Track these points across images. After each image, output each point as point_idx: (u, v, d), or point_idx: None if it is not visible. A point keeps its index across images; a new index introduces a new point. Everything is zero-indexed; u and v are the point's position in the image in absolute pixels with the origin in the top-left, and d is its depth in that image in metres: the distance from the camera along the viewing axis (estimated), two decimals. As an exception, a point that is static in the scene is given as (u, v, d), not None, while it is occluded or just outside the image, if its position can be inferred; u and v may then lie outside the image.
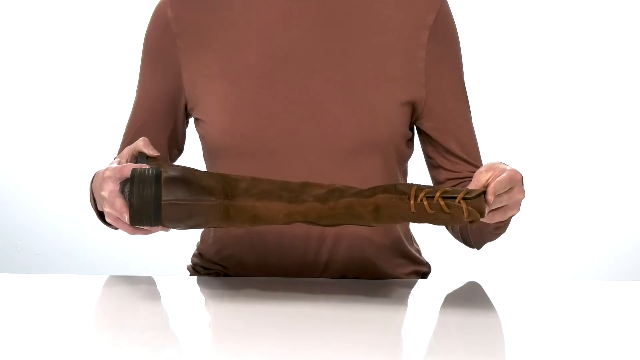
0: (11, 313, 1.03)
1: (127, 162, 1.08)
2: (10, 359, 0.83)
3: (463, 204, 0.96)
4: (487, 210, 0.97)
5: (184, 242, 1.62)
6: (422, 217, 0.98)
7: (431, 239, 1.85)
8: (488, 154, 1.40)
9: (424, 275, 1.36)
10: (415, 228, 1.40)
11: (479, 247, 1.25)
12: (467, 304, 1.08)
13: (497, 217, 1.01)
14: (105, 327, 0.97)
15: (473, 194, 0.97)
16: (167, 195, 1.01)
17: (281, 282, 1.19)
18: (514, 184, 1.00)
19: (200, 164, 1.28)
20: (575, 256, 2.77)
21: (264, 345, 0.88)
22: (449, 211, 0.97)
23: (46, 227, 2.83)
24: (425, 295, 1.17)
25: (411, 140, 1.29)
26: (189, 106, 1.26)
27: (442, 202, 0.97)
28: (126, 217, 1.02)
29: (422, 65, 1.22)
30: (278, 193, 1.02)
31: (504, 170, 0.99)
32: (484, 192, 0.97)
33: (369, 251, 1.25)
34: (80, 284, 1.19)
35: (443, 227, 1.24)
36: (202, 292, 1.17)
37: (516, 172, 1.00)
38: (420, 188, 0.98)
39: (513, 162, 1.40)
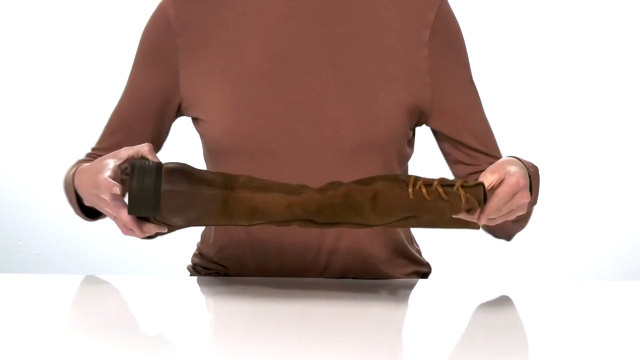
0: (11, 313, 1.03)
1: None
2: (10, 359, 0.83)
3: (461, 192, 0.97)
4: (490, 214, 0.97)
5: (184, 242, 1.62)
6: (420, 206, 0.98)
7: (431, 240, 1.85)
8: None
9: (424, 275, 1.36)
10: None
11: (508, 239, 1.26)
12: (467, 305, 1.08)
13: (499, 220, 1.01)
14: (105, 327, 0.97)
15: (471, 183, 0.97)
16: (166, 185, 1.01)
17: (281, 282, 1.19)
18: (517, 190, 1.00)
19: (200, 164, 1.28)
20: (575, 256, 2.77)
21: (264, 345, 0.88)
22: (447, 198, 0.97)
23: (46, 227, 2.83)
24: (425, 296, 1.17)
25: (412, 140, 1.29)
26: (183, 105, 1.26)
27: (440, 189, 0.97)
28: (112, 201, 1.04)
29: (425, 64, 1.22)
30: (277, 187, 1.02)
31: (509, 174, 1.00)
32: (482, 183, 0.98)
33: (369, 251, 1.25)
34: (80, 284, 1.19)
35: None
36: (202, 292, 1.17)
37: (520, 178, 1.00)
38: (419, 177, 0.99)
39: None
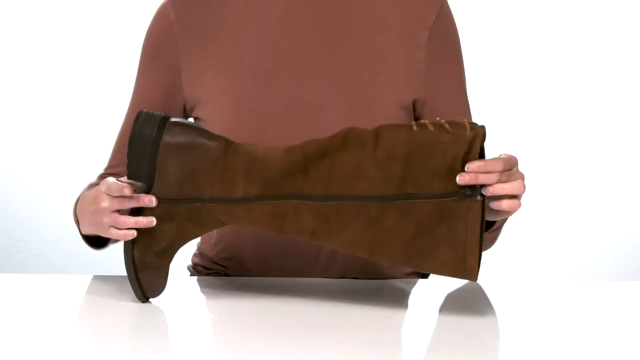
0: (11, 313, 1.02)
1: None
2: (10, 359, 0.83)
3: (465, 122, 0.97)
4: (491, 167, 0.97)
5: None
6: (424, 140, 0.97)
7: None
8: (488, 154, 1.40)
9: (424, 275, 1.36)
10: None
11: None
12: (467, 304, 1.08)
13: (497, 190, 1.00)
14: (105, 327, 0.97)
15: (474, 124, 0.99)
16: (167, 137, 1.01)
17: (281, 282, 1.19)
18: (515, 164, 1.01)
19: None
20: (575, 256, 2.77)
21: (264, 345, 0.88)
22: (451, 130, 0.97)
23: (46, 227, 2.83)
24: (425, 295, 1.17)
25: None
26: (188, 107, 1.26)
27: (444, 123, 0.98)
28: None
29: (422, 66, 1.22)
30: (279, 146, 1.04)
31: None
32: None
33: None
34: (80, 284, 1.19)
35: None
36: (202, 292, 1.17)
37: (510, 155, 1.02)
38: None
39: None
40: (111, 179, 1.05)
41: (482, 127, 0.98)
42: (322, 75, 1.20)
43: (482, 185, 0.98)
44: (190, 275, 1.37)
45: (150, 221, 1.02)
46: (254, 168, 1.02)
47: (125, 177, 1.04)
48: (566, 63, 2.73)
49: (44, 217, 2.83)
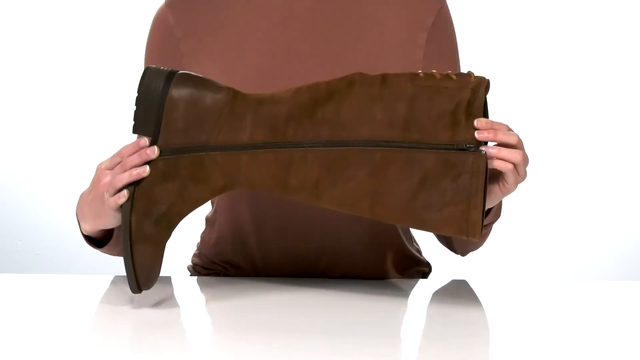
0: (11, 313, 1.03)
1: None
2: (10, 359, 0.83)
3: (471, 72, 1.00)
4: (494, 126, 0.98)
5: (184, 242, 1.62)
6: (429, 84, 0.99)
7: (431, 239, 1.85)
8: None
9: (425, 275, 1.36)
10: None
11: (463, 254, 1.25)
12: (468, 305, 1.08)
13: (511, 179, 1.01)
14: (105, 327, 0.97)
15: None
16: (174, 89, 1.02)
17: (281, 281, 1.19)
18: (519, 141, 1.03)
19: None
20: (575, 256, 2.77)
21: (264, 345, 0.88)
22: (455, 78, 0.99)
23: (46, 227, 2.83)
24: (425, 295, 1.17)
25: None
26: None
27: (451, 73, 1.00)
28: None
29: (420, 67, 1.22)
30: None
31: None
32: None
33: (369, 251, 1.25)
34: (80, 284, 1.19)
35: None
36: (202, 292, 1.17)
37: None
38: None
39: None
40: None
41: (487, 78, 0.99)
42: (322, 75, 1.20)
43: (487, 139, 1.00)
44: (190, 275, 1.37)
45: (144, 169, 1.00)
46: (261, 110, 1.02)
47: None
48: (565, 64, 2.73)
49: (44, 217, 2.83)
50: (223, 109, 1.02)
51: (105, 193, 1.03)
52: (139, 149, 1.02)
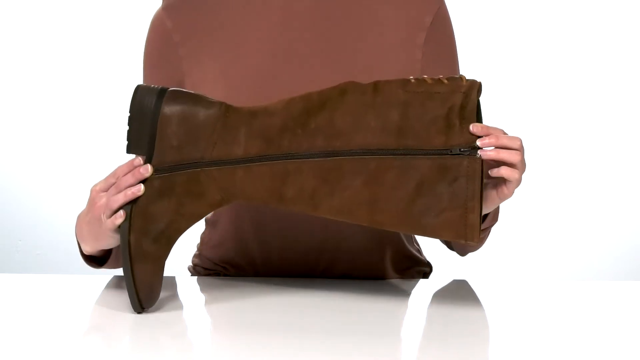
0: (11, 313, 1.03)
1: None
2: (10, 359, 0.83)
3: (463, 76, 1.00)
4: (488, 131, 0.99)
5: (184, 242, 1.62)
6: (421, 89, 0.99)
7: (431, 239, 1.85)
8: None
9: (425, 275, 1.36)
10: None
11: (462, 255, 1.26)
12: (468, 305, 1.08)
13: (503, 172, 1.01)
14: (105, 327, 0.97)
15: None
16: (166, 107, 1.01)
17: (281, 282, 1.19)
18: (519, 144, 1.03)
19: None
20: (575, 256, 2.77)
21: (264, 345, 0.88)
22: (447, 82, 0.99)
23: (46, 227, 2.83)
24: (425, 295, 1.17)
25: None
26: None
27: (442, 77, 1.00)
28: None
29: (419, 67, 1.22)
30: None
31: None
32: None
33: (369, 251, 1.25)
34: (80, 284, 1.19)
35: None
36: (202, 292, 1.17)
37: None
38: None
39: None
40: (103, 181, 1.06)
41: (478, 81, 0.99)
42: (321, 75, 1.20)
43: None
44: (191, 276, 1.37)
45: (138, 188, 1.00)
46: (254, 123, 1.02)
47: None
48: (564, 64, 2.73)
49: (44, 217, 2.83)
50: (216, 123, 1.02)
51: (102, 215, 1.03)
52: (132, 168, 1.02)
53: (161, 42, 1.24)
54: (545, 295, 1.17)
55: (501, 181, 1.03)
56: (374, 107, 1.00)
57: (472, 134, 0.98)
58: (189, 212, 1.02)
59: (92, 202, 1.06)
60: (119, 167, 1.03)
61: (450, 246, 1.25)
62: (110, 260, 1.14)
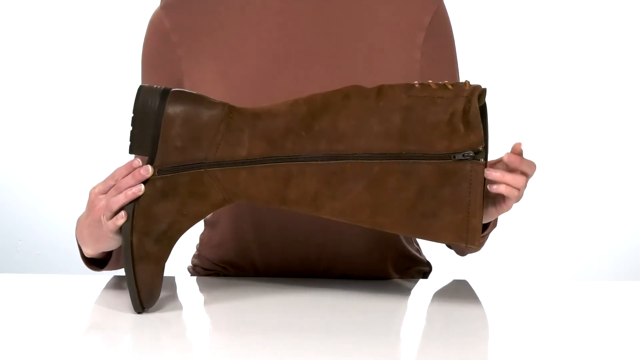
0: (11, 313, 1.03)
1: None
2: (10, 359, 0.83)
3: (467, 81, 1.00)
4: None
5: (184, 242, 1.62)
6: (424, 94, 0.99)
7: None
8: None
9: (425, 274, 1.36)
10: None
11: (462, 255, 1.26)
12: (468, 305, 1.08)
13: (511, 202, 1.03)
14: (105, 327, 0.97)
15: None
16: (170, 107, 1.01)
17: (281, 281, 1.19)
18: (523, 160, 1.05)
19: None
20: (575, 256, 2.77)
21: (264, 345, 0.88)
22: (452, 87, 0.99)
23: (46, 227, 2.83)
24: (425, 295, 1.17)
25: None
26: None
27: (447, 82, 1.00)
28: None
29: (418, 67, 1.22)
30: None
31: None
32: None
33: (369, 251, 1.25)
34: (80, 284, 1.19)
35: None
36: (202, 292, 1.17)
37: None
38: None
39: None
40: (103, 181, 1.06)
41: (483, 87, 1.00)
42: (320, 75, 1.20)
43: (485, 147, 1.00)
44: (191, 275, 1.37)
45: (139, 188, 1.00)
46: (258, 125, 1.01)
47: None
48: (564, 64, 2.73)
49: (44, 217, 2.83)
50: (219, 124, 1.02)
51: (102, 217, 1.03)
52: (131, 170, 1.02)
53: (159, 42, 1.23)
54: (545, 295, 1.17)
55: (500, 196, 1.03)
56: (378, 112, 1.00)
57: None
58: (192, 212, 1.02)
59: (91, 204, 1.06)
60: (118, 169, 1.03)
61: (449, 245, 1.25)
62: (110, 263, 1.13)
